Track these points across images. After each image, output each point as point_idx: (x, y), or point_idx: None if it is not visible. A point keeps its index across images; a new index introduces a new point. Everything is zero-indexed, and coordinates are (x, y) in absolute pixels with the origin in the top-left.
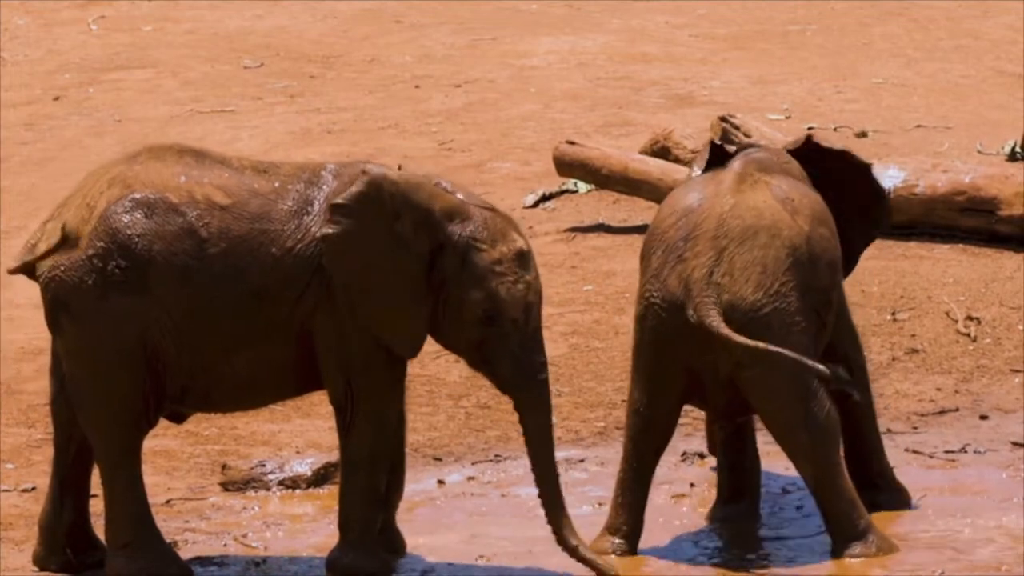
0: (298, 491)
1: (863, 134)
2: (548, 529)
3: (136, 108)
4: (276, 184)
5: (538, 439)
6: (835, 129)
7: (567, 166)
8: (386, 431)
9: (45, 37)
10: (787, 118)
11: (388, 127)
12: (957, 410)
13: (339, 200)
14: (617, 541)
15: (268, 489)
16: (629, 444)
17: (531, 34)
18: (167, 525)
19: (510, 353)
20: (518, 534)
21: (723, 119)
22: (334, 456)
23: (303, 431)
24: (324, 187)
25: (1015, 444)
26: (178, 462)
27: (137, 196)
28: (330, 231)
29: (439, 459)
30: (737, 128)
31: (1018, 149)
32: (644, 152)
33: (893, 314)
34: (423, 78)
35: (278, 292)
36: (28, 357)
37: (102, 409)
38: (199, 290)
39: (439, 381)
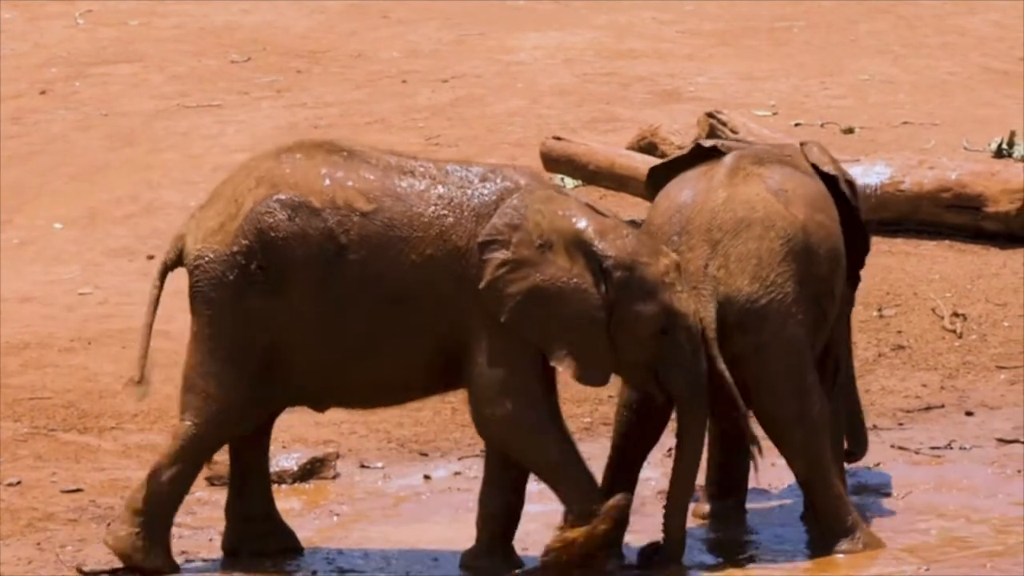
0: (284, 486)
1: (850, 130)
2: (534, 524)
3: (123, 102)
4: (420, 187)
5: (692, 447)
6: (822, 125)
7: (554, 162)
8: (556, 439)
9: (32, 31)
10: (774, 114)
11: (375, 122)
12: (943, 406)
13: (484, 237)
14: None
15: None
16: (618, 439)
17: (518, 30)
18: None
19: (684, 363)
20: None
21: (710, 115)
22: (320, 451)
23: (289, 426)
24: (468, 193)
25: (1000, 440)
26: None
27: (282, 197)
28: (483, 271)
29: (425, 454)
30: (724, 124)
31: (1004, 146)
32: (631, 148)
33: (879, 310)
34: (410, 73)
35: (415, 299)
36: (14, 351)
37: (202, 397)
38: (336, 295)
39: None
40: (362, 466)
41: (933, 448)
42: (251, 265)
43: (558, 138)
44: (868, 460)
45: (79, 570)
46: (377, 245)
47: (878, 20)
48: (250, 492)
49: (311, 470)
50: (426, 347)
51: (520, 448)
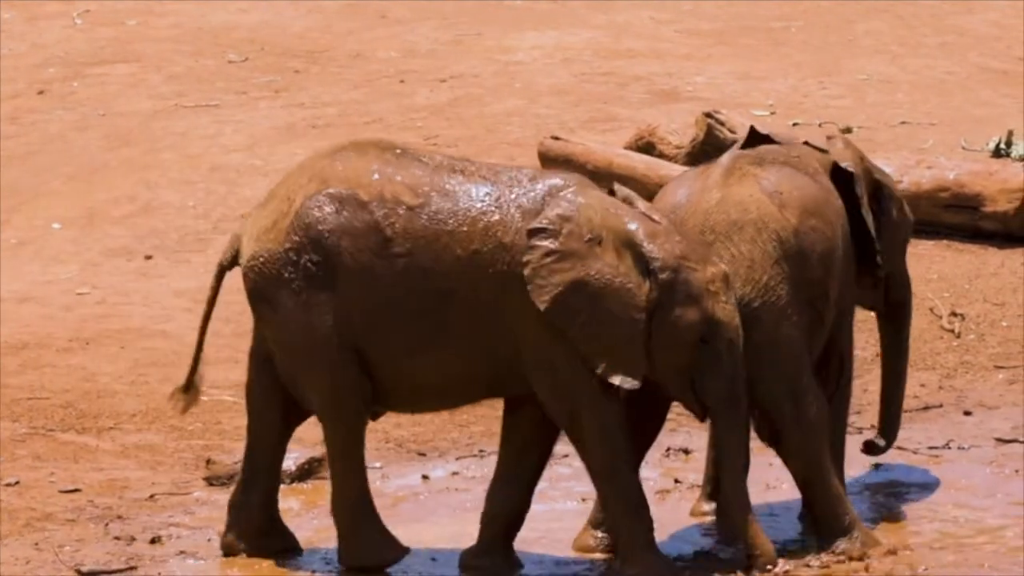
0: (282, 486)
1: (848, 130)
2: (530, 524)
3: (120, 102)
4: (468, 184)
5: (732, 456)
6: (820, 125)
7: (552, 161)
8: (615, 440)
9: (29, 31)
10: (772, 114)
11: (373, 122)
12: (941, 406)
13: (535, 225)
14: (600, 535)
15: None
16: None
17: (516, 29)
18: (151, 519)
19: (723, 374)
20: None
21: (708, 115)
22: (318, 451)
23: None
24: (517, 191)
25: (999, 440)
26: (162, 456)
27: (331, 191)
28: (528, 258)
29: (423, 454)
30: (722, 124)
31: (1002, 146)
32: (629, 147)
33: None
34: (408, 73)
35: (461, 295)
36: (12, 351)
37: (320, 397)
38: (383, 288)
39: None
40: None
41: (931, 448)
42: (303, 260)
43: (556, 138)
44: (866, 460)
45: (77, 570)
46: (422, 238)
47: (876, 20)
48: (256, 489)
49: (309, 470)
50: (478, 346)
51: (588, 451)
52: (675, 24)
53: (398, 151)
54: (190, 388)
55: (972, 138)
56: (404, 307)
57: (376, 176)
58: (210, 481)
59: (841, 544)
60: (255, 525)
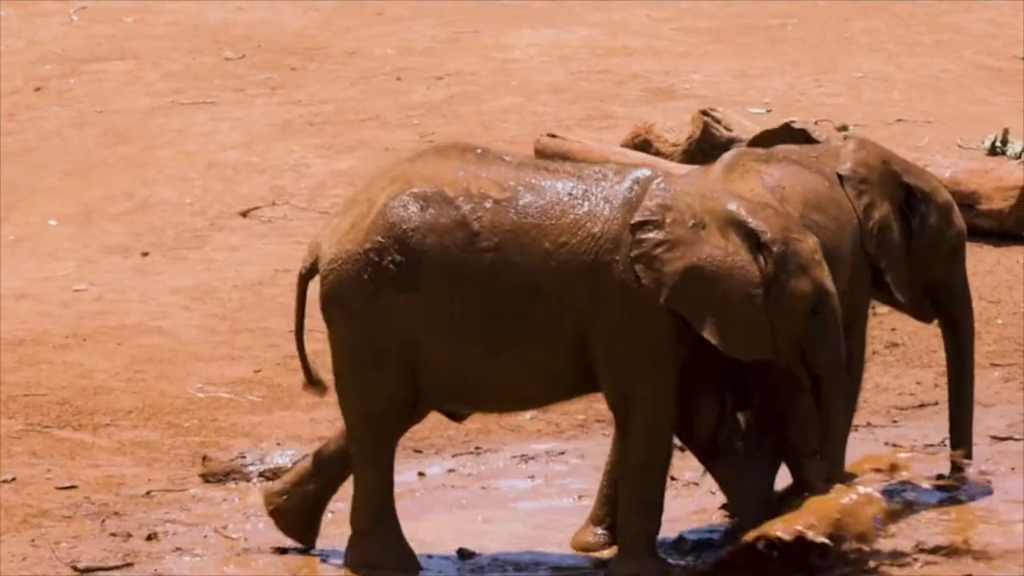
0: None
1: (844, 128)
2: (527, 522)
3: (117, 99)
4: (553, 179)
5: (839, 425)
6: (816, 123)
7: (548, 159)
8: (661, 441)
9: (26, 28)
10: (768, 112)
11: (369, 119)
12: (937, 404)
13: (639, 218)
14: (600, 532)
15: (248, 481)
16: (617, 436)
17: (513, 27)
18: (147, 516)
19: (831, 343)
20: (498, 527)
21: (704, 113)
22: (314, 448)
23: (284, 423)
24: (603, 185)
25: (994, 438)
26: (158, 453)
27: (415, 191)
28: (639, 252)
29: (419, 451)
30: (718, 122)
31: (998, 144)
32: (625, 145)
33: (873, 308)
34: (404, 71)
35: (548, 289)
36: (9, 348)
37: (359, 402)
38: (470, 283)
39: None
40: None
41: (927, 445)
42: (384, 261)
43: (552, 135)
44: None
45: (74, 567)
46: (510, 232)
47: (872, 18)
48: (318, 480)
49: None
50: (559, 343)
51: (631, 444)
52: (672, 22)
53: (479, 151)
54: (316, 380)
55: (968, 136)
56: (491, 302)
57: (461, 173)
58: (206, 478)
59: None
60: (298, 514)
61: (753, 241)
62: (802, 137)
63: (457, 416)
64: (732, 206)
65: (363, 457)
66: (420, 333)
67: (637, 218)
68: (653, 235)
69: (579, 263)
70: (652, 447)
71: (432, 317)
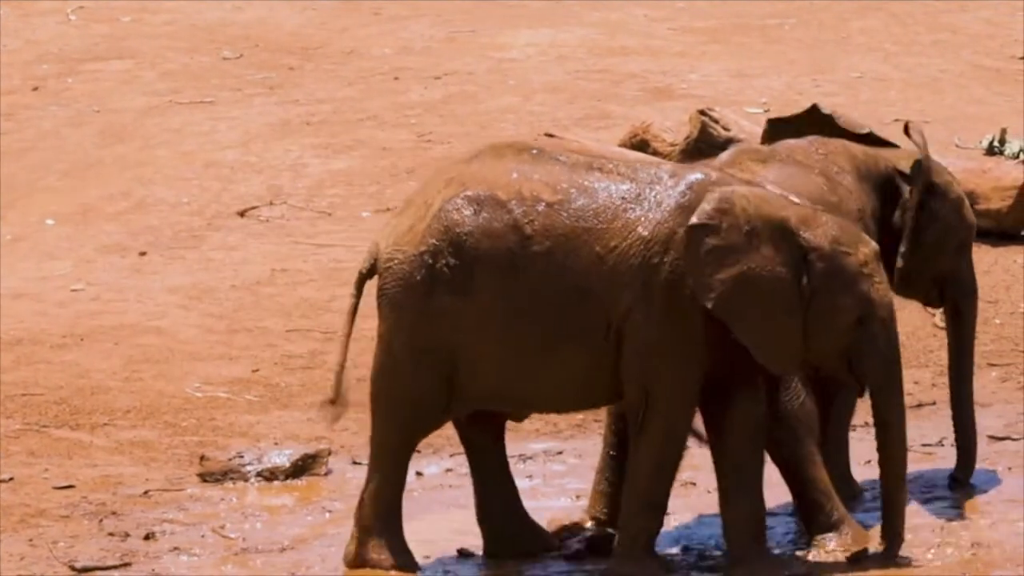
0: (276, 482)
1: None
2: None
3: (115, 99)
4: (606, 181)
5: (897, 441)
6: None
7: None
8: (676, 443)
9: (24, 27)
10: (765, 111)
11: (367, 119)
12: (934, 403)
13: (696, 221)
14: (595, 531)
15: (246, 480)
16: (610, 434)
17: (510, 27)
18: (145, 516)
19: (879, 354)
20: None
21: (702, 112)
22: (312, 448)
23: (281, 423)
24: (657, 188)
25: (992, 437)
26: (156, 453)
27: (469, 193)
28: (691, 255)
29: (417, 451)
30: (716, 122)
31: (996, 143)
32: (623, 145)
33: None
34: (402, 70)
35: (597, 292)
36: (6, 347)
37: (390, 399)
38: (523, 286)
39: None
40: (354, 463)
41: (924, 445)
42: (439, 264)
43: (550, 135)
44: (860, 458)
45: (71, 566)
46: (561, 235)
47: (870, 18)
48: (494, 495)
49: (303, 466)
50: (606, 344)
51: (646, 443)
52: (669, 22)
53: (535, 151)
54: (338, 400)
55: (966, 136)
56: (543, 305)
57: (514, 175)
58: (204, 477)
59: (831, 540)
60: (503, 530)
61: (800, 255)
62: (827, 122)
63: (515, 416)
64: (785, 214)
65: (382, 454)
66: (468, 335)
67: (694, 220)
68: (708, 240)
69: (627, 267)
70: (668, 448)
71: (483, 319)
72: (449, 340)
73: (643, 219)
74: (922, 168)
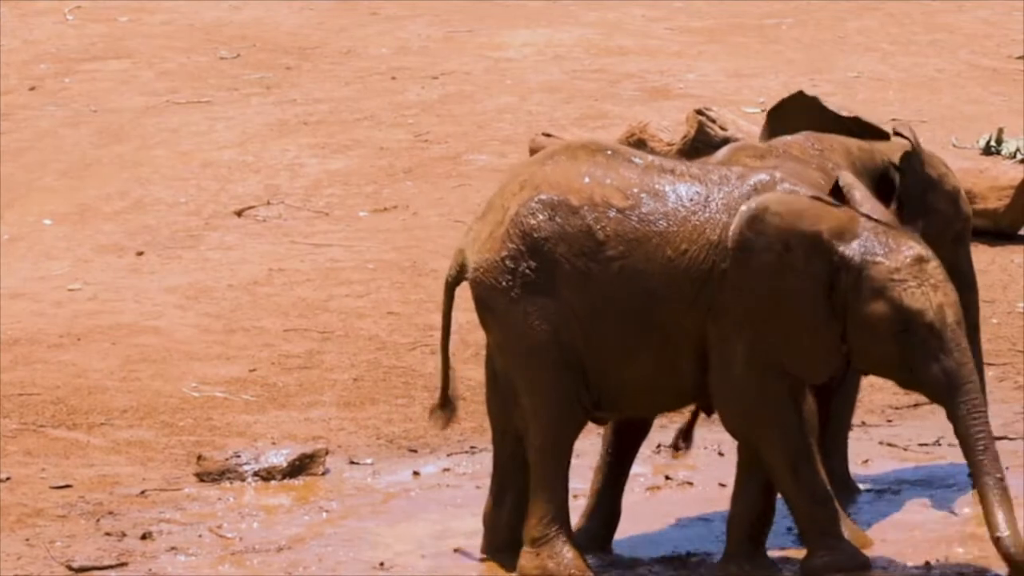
0: (273, 482)
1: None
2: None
3: (112, 99)
4: (677, 185)
5: (978, 449)
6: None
7: None
8: (792, 435)
9: (21, 27)
10: (763, 111)
11: (364, 119)
12: (931, 403)
13: (729, 240)
14: (593, 530)
15: (243, 480)
16: (609, 434)
17: (507, 27)
18: (142, 515)
19: (935, 359)
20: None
21: (699, 112)
22: (309, 447)
23: (279, 422)
24: (725, 190)
25: None
26: (153, 452)
27: (543, 198)
28: (726, 268)
29: (414, 450)
30: (713, 121)
31: (993, 143)
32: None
33: None
34: (399, 70)
35: (669, 295)
36: (3, 347)
37: (533, 403)
38: (599, 292)
39: (415, 373)
40: (351, 462)
41: (922, 445)
42: (520, 268)
43: (547, 134)
44: (856, 457)
45: (68, 566)
46: (633, 240)
47: (867, 17)
48: (506, 507)
49: (300, 466)
50: (682, 347)
51: (758, 446)
52: (666, 22)
53: (609, 152)
54: (446, 405)
55: (963, 136)
56: (618, 310)
57: (587, 179)
58: (201, 477)
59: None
60: (508, 542)
61: (831, 268)
62: (816, 106)
63: (601, 420)
64: (817, 227)
65: (539, 462)
66: (563, 336)
67: (729, 239)
68: (742, 256)
69: (699, 270)
70: (790, 447)
71: (571, 322)
72: (550, 339)
73: (711, 222)
74: (916, 160)
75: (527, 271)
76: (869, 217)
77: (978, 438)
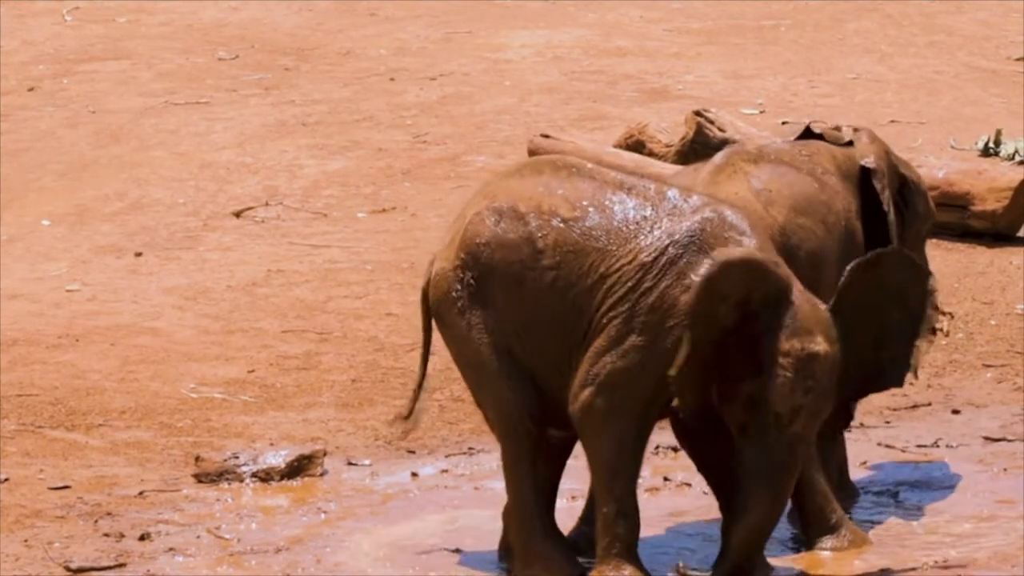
0: (272, 483)
1: (837, 129)
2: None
3: (110, 100)
4: (625, 202)
5: (744, 542)
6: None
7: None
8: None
9: (19, 28)
10: (761, 113)
11: (363, 120)
12: (929, 404)
13: (696, 283)
14: (590, 534)
15: (241, 481)
16: None
17: (506, 28)
18: (140, 516)
19: (760, 444)
20: (491, 527)
21: (697, 113)
22: (307, 448)
23: (277, 423)
24: (675, 217)
25: (987, 439)
26: (151, 453)
27: (494, 206)
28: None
29: (412, 452)
30: (712, 123)
31: (991, 145)
32: (618, 146)
33: None
34: (398, 71)
35: (593, 312)
36: (1, 348)
37: (488, 417)
38: (532, 301)
39: (413, 374)
40: (349, 463)
41: (920, 446)
42: (465, 276)
43: (546, 136)
44: (855, 459)
45: (67, 567)
46: (571, 252)
47: (865, 19)
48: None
49: (298, 467)
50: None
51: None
52: (665, 23)
53: (575, 168)
54: (411, 415)
55: (961, 137)
56: (550, 322)
57: (540, 189)
58: (199, 478)
59: (829, 542)
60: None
61: (750, 327)
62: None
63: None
64: (756, 292)
65: (507, 469)
66: (504, 346)
67: (696, 280)
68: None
69: (625, 290)
70: (623, 452)
71: (507, 333)
72: (491, 350)
73: (649, 247)
74: (892, 165)
75: (471, 281)
76: (808, 296)
77: (749, 535)
